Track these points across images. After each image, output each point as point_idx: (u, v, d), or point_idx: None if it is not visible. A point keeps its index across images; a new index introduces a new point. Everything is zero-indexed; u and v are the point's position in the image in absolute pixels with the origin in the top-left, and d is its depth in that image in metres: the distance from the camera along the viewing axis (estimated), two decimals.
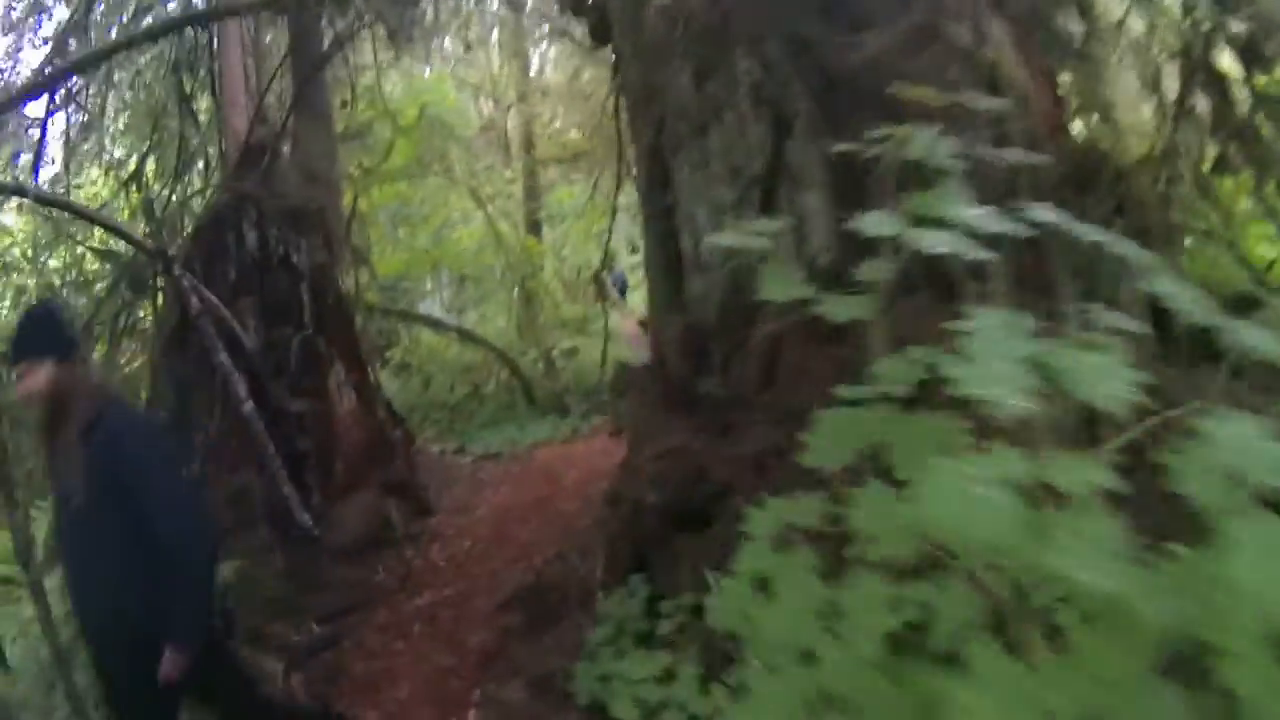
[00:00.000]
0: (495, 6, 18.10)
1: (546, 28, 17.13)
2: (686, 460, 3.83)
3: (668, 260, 4.55)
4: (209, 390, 5.45)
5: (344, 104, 9.45)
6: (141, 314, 6.46)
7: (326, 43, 7.64)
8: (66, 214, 6.73)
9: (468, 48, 15.23)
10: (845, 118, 4.13)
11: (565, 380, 12.08)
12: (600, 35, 6.66)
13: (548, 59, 19.69)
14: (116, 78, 9.02)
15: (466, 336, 11.67)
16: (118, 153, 9.74)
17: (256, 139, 6.12)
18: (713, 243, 3.93)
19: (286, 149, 6.82)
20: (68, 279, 8.00)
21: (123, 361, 6.91)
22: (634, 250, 28.16)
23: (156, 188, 8.44)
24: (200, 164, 8.57)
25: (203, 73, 7.82)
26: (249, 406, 5.15)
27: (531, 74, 19.51)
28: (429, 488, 6.86)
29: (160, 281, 5.66)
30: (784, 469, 3.59)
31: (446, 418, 11.14)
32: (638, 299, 24.39)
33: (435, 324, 11.75)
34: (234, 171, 6.18)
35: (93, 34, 8.06)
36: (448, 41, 15.66)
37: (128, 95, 9.54)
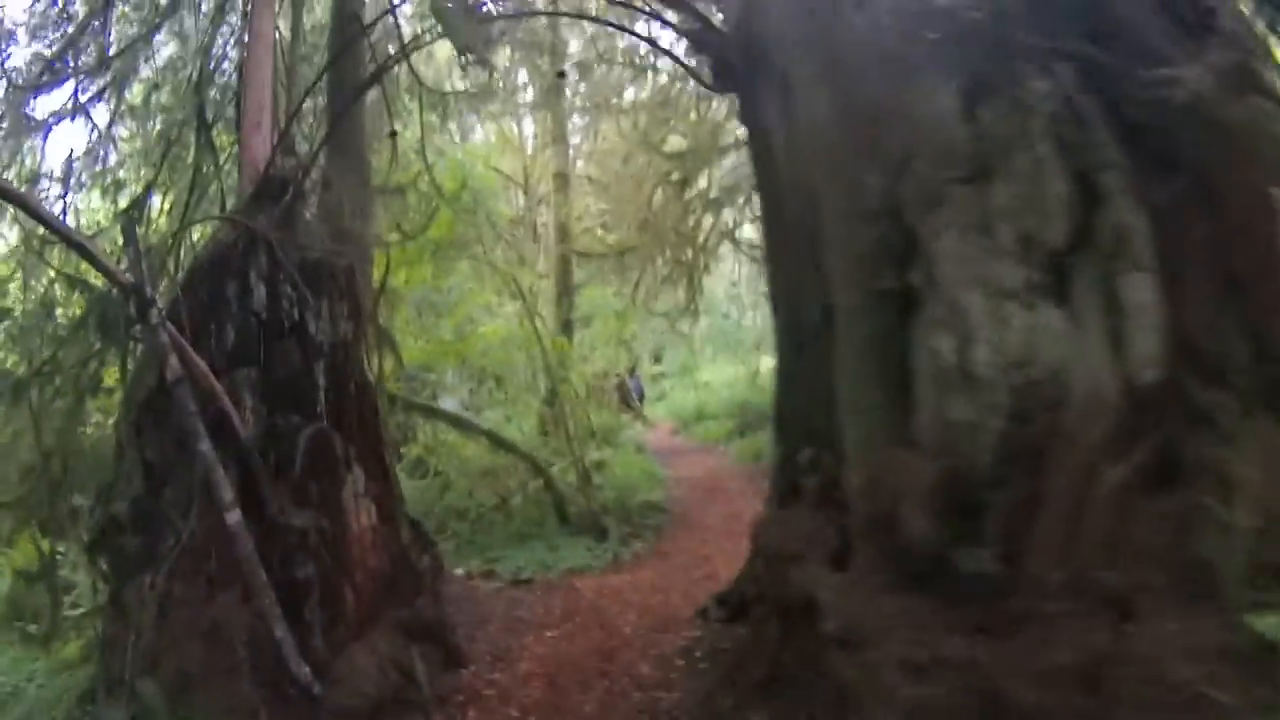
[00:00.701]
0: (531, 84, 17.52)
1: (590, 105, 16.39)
2: (966, 678, 2.36)
3: (886, 370, 3.23)
4: (186, 485, 4.04)
5: (384, 150, 8.27)
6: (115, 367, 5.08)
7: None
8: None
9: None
10: (1160, 175, 2.89)
11: (602, 498, 10.59)
12: (726, 75, 5.45)
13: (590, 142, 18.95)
14: (129, 93, 7.92)
15: (496, 441, 10.22)
16: (121, 173, 8.54)
17: (278, 170, 4.89)
18: (995, 347, 2.63)
19: (313, 191, 5.62)
20: (26, 307, 6.58)
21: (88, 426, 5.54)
22: (657, 359, 27.12)
23: (160, 221, 7.24)
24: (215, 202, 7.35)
25: (226, 94, 6.70)
26: (235, 516, 3.72)
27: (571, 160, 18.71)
28: (459, 629, 5.32)
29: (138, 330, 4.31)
30: (1126, 683, 2.20)
31: (467, 530, 9.63)
32: (658, 411, 23.15)
33: (461, 424, 10.32)
34: (247, 204, 4.91)
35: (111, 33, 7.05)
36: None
37: (140, 111, 8.39)
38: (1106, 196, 2.82)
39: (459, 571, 7.24)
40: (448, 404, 12.21)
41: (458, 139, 15.84)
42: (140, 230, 6.86)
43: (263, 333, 4.51)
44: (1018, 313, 2.81)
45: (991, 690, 2.26)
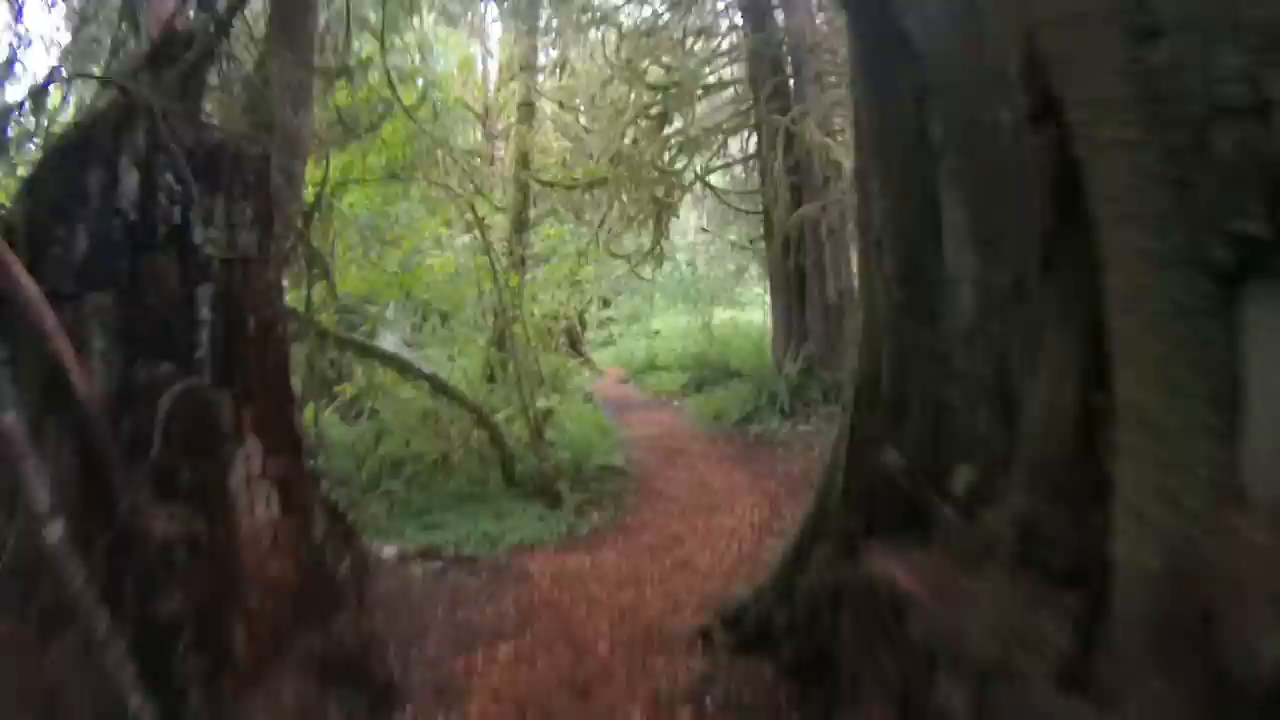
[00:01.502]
0: None
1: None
2: None
3: (1201, 372, 1.89)
4: None
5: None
6: None
7: None
8: None
9: None
10: None
11: (554, 457, 9.41)
12: None
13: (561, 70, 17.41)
14: None
15: (438, 387, 8.90)
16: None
17: (186, 25, 3.48)
18: None
19: (231, 62, 4.20)
20: None
21: None
22: (605, 304, 25.84)
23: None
24: None
25: None
26: (56, 529, 2.42)
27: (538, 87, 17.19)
28: (390, 648, 4.09)
29: None
30: None
31: (401, 489, 8.37)
32: (604, 358, 21.97)
33: (404, 367, 8.95)
34: (134, 64, 3.48)
35: None
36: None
37: None
38: None
39: (389, 551, 5.98)
40: (388, 341, 10.85)
41: (418, 57, 14.32)
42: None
43: (130, 243, 3.13)
44: None
45: None
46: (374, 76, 8.63)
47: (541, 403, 10.47)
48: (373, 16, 9.09)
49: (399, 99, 8.48)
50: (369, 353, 9.00)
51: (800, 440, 11.05)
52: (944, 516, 2.89)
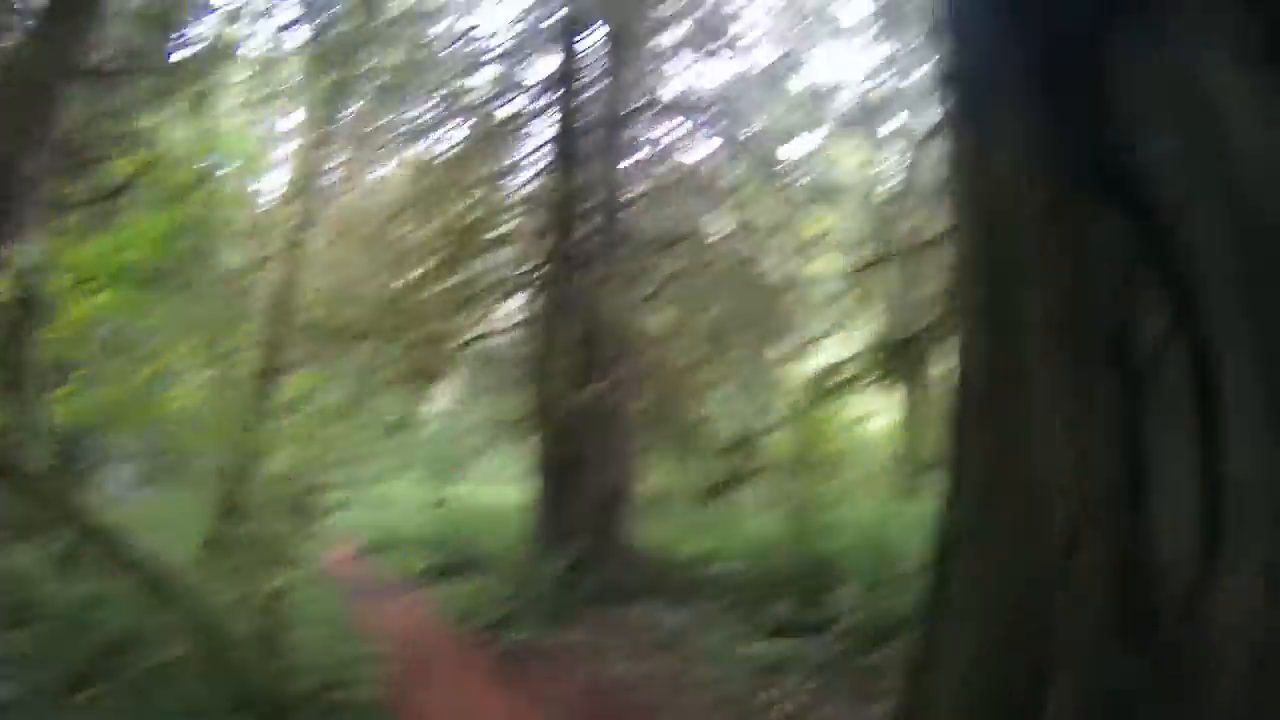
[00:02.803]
0: None
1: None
2: None
3: None
4: None
5: None
6: None
7: None
8: None
9: None
10: None
11: (291, 663, 7.52)
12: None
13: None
14: None
15: (154, 586, 6.76)
16: None
17: None
18: None
19: None
20: None
21: None
22: (349, 466, 23.31)
23: None
24: None
25: None
26: None
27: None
28: None
29: None
30: None
31: (110, 692, 6.16)
32: (343, 525, 19.46)
33: (108, 542, 6.75)
34: None
35: None
36: None
37: None
38: None
39: None
40: (113, 482, 8.59)
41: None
42: None
43: None
44: None
45: None
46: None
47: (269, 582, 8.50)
48: None
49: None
50: (65, 519, 6.73)
51: (573, 653, 9.61)
52: None
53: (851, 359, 10.55)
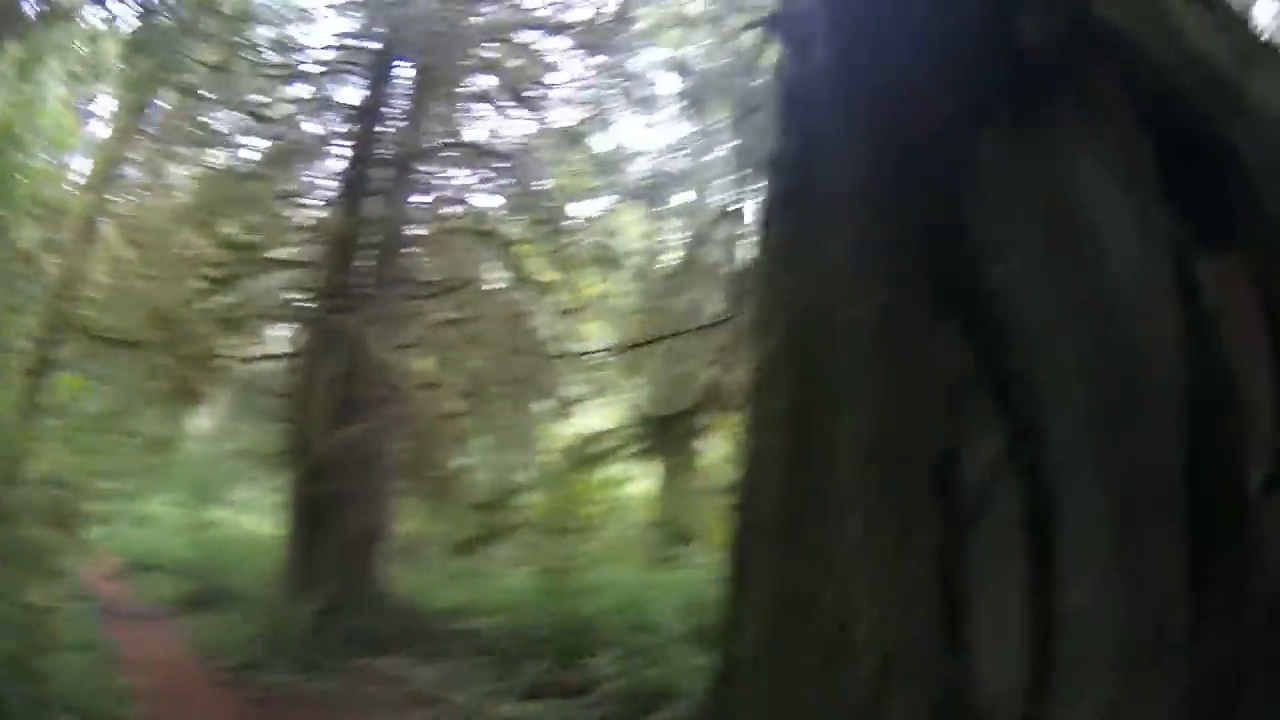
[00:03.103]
0: None
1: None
2: None
3: None
4: None
5: None
6: None
7: None
8: None
9: None
10: None
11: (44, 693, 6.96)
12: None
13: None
14: None
15: None
16: None
17: None
18: None
19: None
20: None
21: None
22: (109, 477, 21.81)
23: None
24: None
25: None
26: None
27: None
28: None
29: None
30: None
31: None
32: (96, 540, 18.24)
33: None
34: None
35: None
36: None
37: None
38: None
39: None
40: None
41: None
42: None
43: None
44: None
45: None
46: None
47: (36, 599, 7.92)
48: None
49: None
50: None
51: (324, 703, 9.34)
52: None
53: (613, 430, 10.80)
